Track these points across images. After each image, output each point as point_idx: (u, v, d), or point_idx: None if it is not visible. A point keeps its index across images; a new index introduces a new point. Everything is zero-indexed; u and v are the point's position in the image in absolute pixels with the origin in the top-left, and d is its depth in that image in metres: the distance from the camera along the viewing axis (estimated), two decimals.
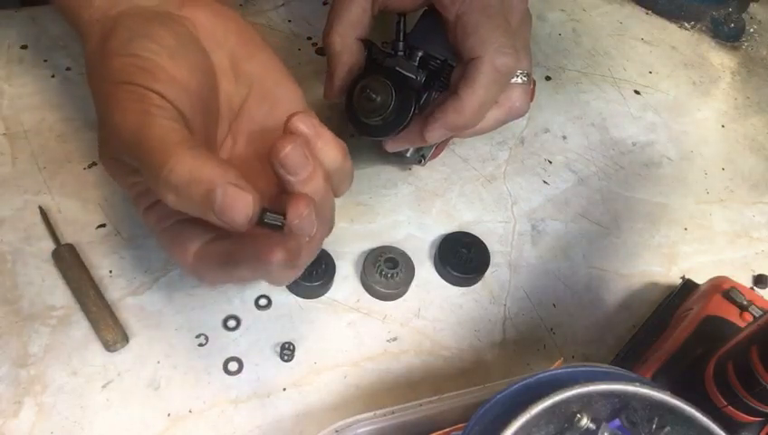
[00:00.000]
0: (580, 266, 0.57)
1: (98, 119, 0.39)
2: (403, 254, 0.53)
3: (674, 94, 0.73)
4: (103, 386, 0.45)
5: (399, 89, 0.48)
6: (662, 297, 0.56)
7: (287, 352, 0.48)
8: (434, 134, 0.49)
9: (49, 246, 0.49)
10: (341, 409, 0.47)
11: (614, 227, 0.61)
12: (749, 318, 0.47)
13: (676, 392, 0.34)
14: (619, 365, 0.45)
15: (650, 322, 0.54)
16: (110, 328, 0.46)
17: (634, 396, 0.33)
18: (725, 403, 0.41)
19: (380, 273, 0.52)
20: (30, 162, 0.53)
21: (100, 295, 0.47)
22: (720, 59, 0.78)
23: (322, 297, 0.52)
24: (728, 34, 0.79)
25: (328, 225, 0.40)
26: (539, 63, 0.71)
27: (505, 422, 0.32)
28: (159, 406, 0.45)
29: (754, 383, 0.39)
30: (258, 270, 0.35)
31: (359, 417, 0.41)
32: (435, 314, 0.53)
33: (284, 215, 0.35)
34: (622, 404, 0.33)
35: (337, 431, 0.40)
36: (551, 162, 0.64)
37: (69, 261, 0.48)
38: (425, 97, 0.51)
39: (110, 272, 0.49)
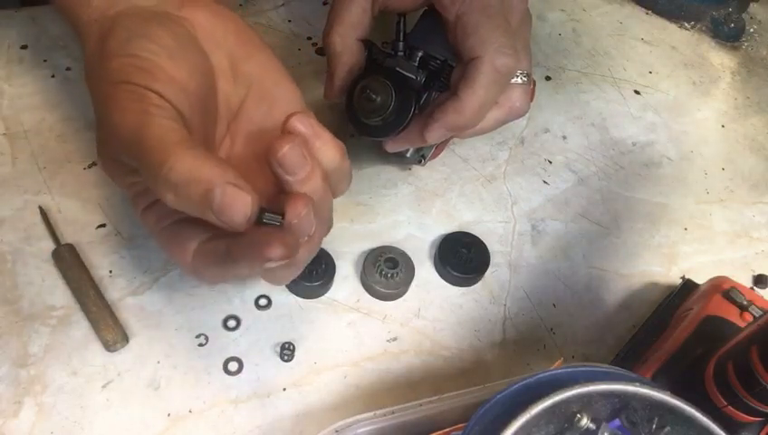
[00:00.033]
0: (580, 266, 0.57)
1: (96, 119, 0.39)
2: (403, 254, 0.53)
3: (674, 94, 0.73)
4: (103, 386, 0.45)
5: (399, 89, 0.48)
6: (662, 297, 0.56)
7: (287, 352, 0.48)
8: (434, 134, 0.49)
9: (49, 246, 0.49)
10: (341, 409, 0.47)
11: (614, 227, 0.61)
12: (749, 318, 0.47)
13: (676, 392, 0.34)
14: (619, 365, 0.45)
15: (650, 322, 0.54)
16: (110, 328, 0.46)
17: (634, 396, 0.33)
18: (725, 403, 0.41)
19: (380, 273, 0.52)
20: (30, 162, 0.53)
21: (100, 295, 0.47)
22: (720, 59, 0.78)
23: (322, 297, 0.52)
24: (728, 34, 0.79)
25: (326, 224, 0.41)
26: (539, 63, 0.71)
27: (505, 422, 0.32)
28: (159, 406, 0.45)
29: (754, 383, 0.39)
30: (256, 266, 0.35)
31: (359, 417, 0.41)
32: (435, 314, 0.53)
33: (283, 214, 0.35)
34: (622, 404, 0.33)
35: (337, 431, 0.40)
36: (551, 162, 0.64)
37: (69, 261, 0.48)
38: (425, 97, 0.51)
39: (110, 272, 0.49)
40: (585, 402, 0.33)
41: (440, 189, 0.60)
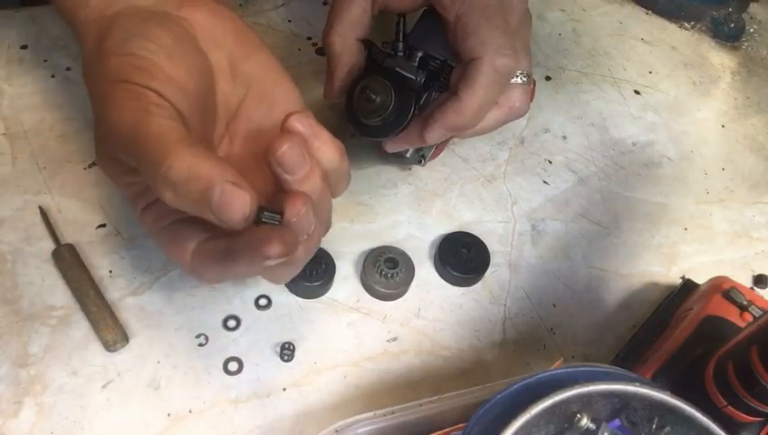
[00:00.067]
0: (580, 266, 0.57)
1: (94, 118, 0.39)
2: (403, 254, 0.53)
3: (674, 94, 0.73)
4: (103, 386, 0.45)
5: (399, 89, 0.48)
6: (662, 297, 0.56)
7: (287, 352, 0.48)
8: (433, 135, 0.49)
9: (49, 246, 0.49)
10: (341, 409, 0.47)
11: (614, 227, 0.61)
12: (749, 318, 0.47)
13: (676, 392, 0.34)
14: (619, 365, 0.45)
15: (650, 322, 0.54)
16: (110, 328, 0.46)
17: (634, 396, 0.33)
18: (725, 403, 0.41)
19: (380, 273, 0.52)
20: (30, 162, 0.53)
21: (100, 295, 0.47)
22: (720, 59, 0.78)
23: (322, 297, 0.52)
24: (728, 34, 0.79)
25: (325, 224, 0.41)
26: (539, 63, 0.71)
27: (505, 422, 0.32)
28: (159, 406, 0.45)
29: (754, 383, 0.39)
30: (256, 265, 0.35)
31: (359, 417, 0.41)
32: (435, 314, 0.53)
33: (282, 213, 0.35)
34: (622, 404, 0.33)
35: (337, 431, 0.40)
36: (551, 162, 0.64)
37: (69, 261, 0.48)
38: (424, 97, 0.51)
39: (110, 272, 0.49)
40: (585, 402, 0.33)
41: (440, 189, 0.60)
